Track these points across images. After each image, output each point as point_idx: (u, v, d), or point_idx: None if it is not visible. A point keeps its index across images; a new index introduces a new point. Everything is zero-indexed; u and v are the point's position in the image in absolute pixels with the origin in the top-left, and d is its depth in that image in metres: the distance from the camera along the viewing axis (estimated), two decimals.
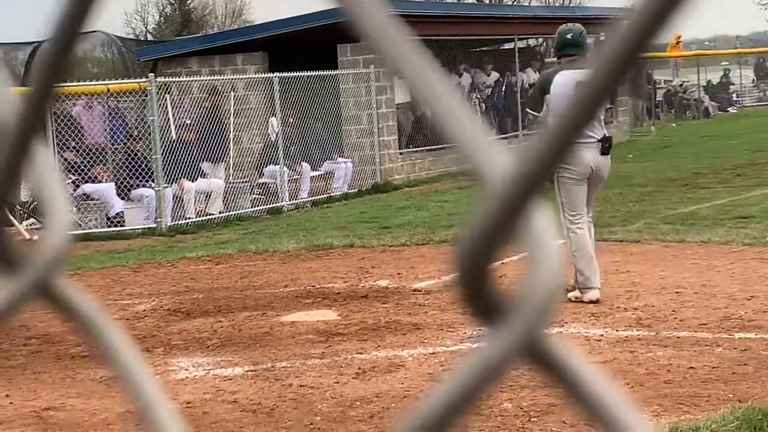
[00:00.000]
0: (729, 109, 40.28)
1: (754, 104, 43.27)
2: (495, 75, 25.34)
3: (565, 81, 8.90)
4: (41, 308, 0.71)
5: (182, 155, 16.72)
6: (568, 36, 9.41)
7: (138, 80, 18.14)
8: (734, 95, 42.09)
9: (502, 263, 0.51)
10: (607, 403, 0.45)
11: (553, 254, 0.42)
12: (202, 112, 18.07)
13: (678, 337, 7.65)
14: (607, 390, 0.46)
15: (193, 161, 16.95)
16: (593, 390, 0.44)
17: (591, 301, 8.87)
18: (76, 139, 17.27)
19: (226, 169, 18.57)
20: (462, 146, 0.43)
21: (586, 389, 0.43)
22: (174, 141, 17.21)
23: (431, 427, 0.45)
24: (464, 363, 0.45)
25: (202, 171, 17.30)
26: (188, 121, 17.74)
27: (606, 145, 9.08)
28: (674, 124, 34.78)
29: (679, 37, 40.19)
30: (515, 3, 58.43)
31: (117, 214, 16.43)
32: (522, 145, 0.45)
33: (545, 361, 0.42)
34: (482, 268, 0.42)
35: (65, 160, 16.66)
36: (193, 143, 17.22)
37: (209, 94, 18.69)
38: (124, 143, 17.29)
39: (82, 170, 16.86)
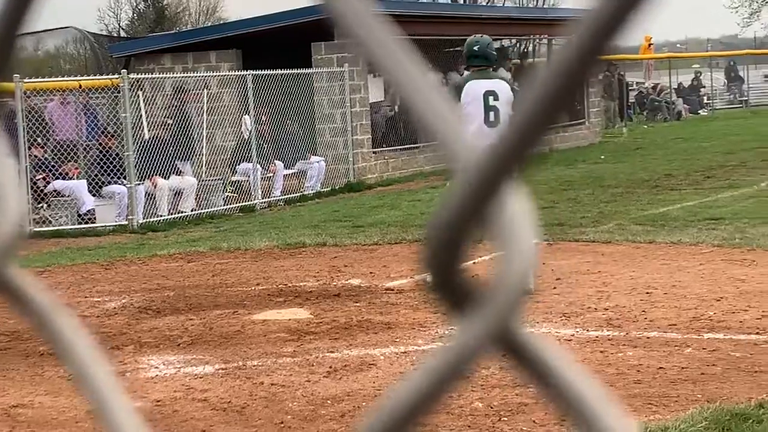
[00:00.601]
0: (700, 111, 40.50)
1: (725, 107, 43.53)
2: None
3: (476, 89, 9.42)
4: (10, 305, 0.71)
5: (156, 152, 16.66)
6: (475, 48, 9.92)
7: (110, 77, 18.05)
8: (705, 98, 42.31)
9: (474, 262, 0.51)
10: (584, 397, 0.45)
11: (525, 242, 0.42)
12: (170, 111, 17.94)
13: (648, 338, 7.69)
14: (584, 383, 0.46)
15: (167, 158, 16.89)
16: (568, 382, 0.44)
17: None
18: (46, 135, 17.17)
19: (194, 167, 18.50)
20: (437, 133, 0.43)
21: (560, 381, 0.43)
22: (147, 138, 17.15)
23: (405, 417, 0.45)
24: (438, 351, 0.45)
25: (177, 168, 17.24)
26: (170, 121, 17.66)
27: None
28: (646, 126, 34.95)
29: (650, 39, 40.39)
30: (489, 3, 58.54)
31: (88, 211, 16.34)
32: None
33: (518, 351, 0.42)
34: (453, 256, 0.42)
35: (35, 156, 16.56)
36: (168, 140, 17.16)
37: (176, 92, 18.58)
38: (97, 140, 17.20)
39: (53, 167, 16.76)
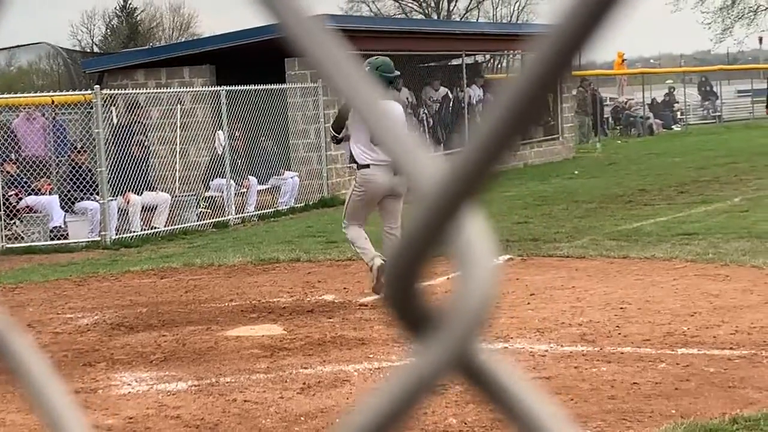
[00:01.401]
0: (673, 126, 40.72)
1: (699, 122, 43.79)
2: (443, 90, 25.44)
3: None
4: None
5: (129, 167, 16.58)
6: (366, 69, 9.98)
7: (83, 92, 17.96)
8: (679, 113, 42.56)
9: (431, 282, 0.49)
10: (541, 419, 0.44)
11: (485, 264, 0.41)
12: (119, 129, 17.46)
13: (622, 353, 7.69)
14: (541, 405, 0.44)
15: (140, 173, 16.82)
16: (526, 405, 0.43)
17: (379, 268, 9.65)
18: (17, 151, 17.06)
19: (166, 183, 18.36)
20: (395, 154, 0.42)
21: (518, 404, 0.42)
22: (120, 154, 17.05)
23: None
24: (396, 376, 0.44)
25: (149, 184, 17.15)
26: (143, 137, 17.51)
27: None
28: (620, 141, 35.11)
29: (623, 55, 40.62)
30: (463, 20, 58.76)
31: (56, 227, 16.23)
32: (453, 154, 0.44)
33: (476, 376, 0.41)
34: (412, 278, 0.41)
35: (7, 172, 16.46)
36: (142, 156, 17.09)
37: (128, 109, 18.23)
38: (68, 155, 17.11)
39: (25, 183, 16.66)
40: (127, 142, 16.96)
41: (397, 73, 11.01)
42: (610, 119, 39.11)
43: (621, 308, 9.13)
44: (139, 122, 18.00)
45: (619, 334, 8.27)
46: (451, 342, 0.40)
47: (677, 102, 42.73)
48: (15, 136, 17.27)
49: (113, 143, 16.61)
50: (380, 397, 0.45)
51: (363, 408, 0.46)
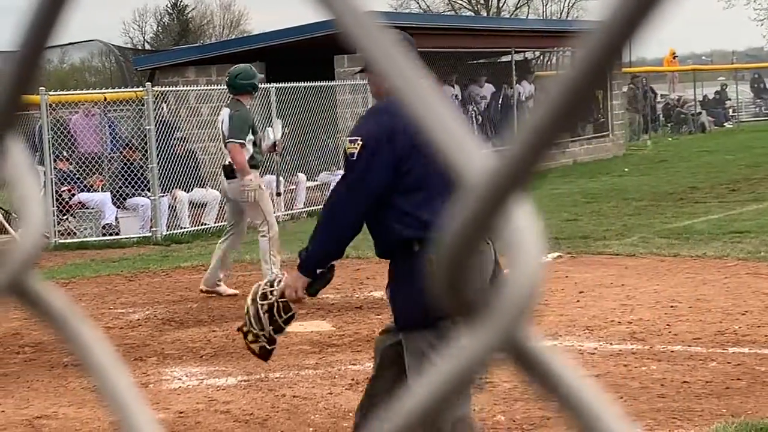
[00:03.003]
0: (725, 124, 40.32)
1: (751, 119, 43.33)
2: (489, 87, 25.37)
3: (222, 116, 10.99)
4: (33, 315, 0.71)
5: (178, 164, 16.72)
6: (227, 78, 11.36)
7: (135, 89, 18.12)
8: (731, 110, 42.14)
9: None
10: (590, 406, 0.45)
11: (532, 253, 0.42)
12: (163, 125, 17.69)
13: (672, 352, 7.65)
14: (590, 392, 0.45)
15: (190, 170, 16.94)
16: (575, 391, 0.44)
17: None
18: (71, 148, 17.24)
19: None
20: (443, 146, 0.43)
21: (566, 390, 0.43)
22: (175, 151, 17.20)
23: (415, 419, 0.45)
24: (446, 360, 0.45)
25: (200, 180, 17.29)
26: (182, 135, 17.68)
27: (228, 171, 10.84)
28: (670, 139, 34.83)
29: (675, 52, 40.29)
30: (512, 16, 58.58)
31: (108, 224, 16.40)
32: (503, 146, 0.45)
33: (524, 361, 0.42)
34: (461, 266, 0.42)
35: (60, 169, 16.64)
36: (186, 153, 17.22)
37: (176, 106, 18.53)
38: (121, 152, 17.28)
39: (78, 179, 16.84)
40: (172, 138, 17.14)
41: (261, 76, 12.08)
42: (661, 116, 38.80)
43: (671, 306, 9.07)
44: (180, 119, 18.16)
45: (670, 332, 8.21)
46: (499, 327, 0.41)
47: (729, 99, 42.31)
48: (70, 132, 17.44)
49: (162, 140, 16.75)
50: (429, 380, 0.46)
51: (412, 392, 0.47)
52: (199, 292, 10.71)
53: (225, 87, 11.83)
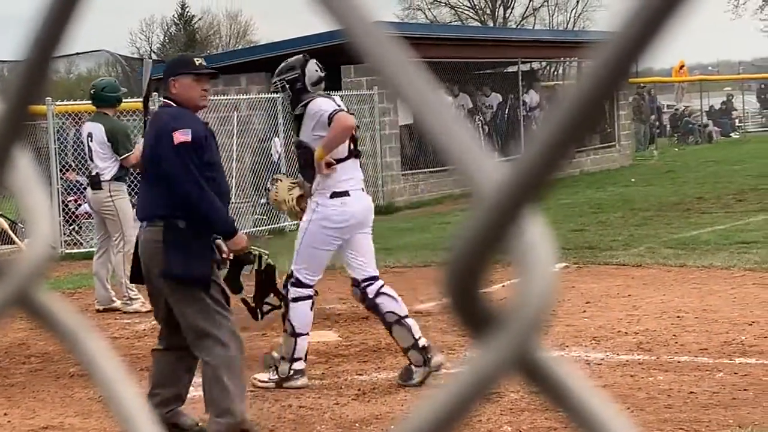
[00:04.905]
0: (732, 134, 40.29)
1: (757, 130, 43.29)
2: (496, 96, 25.38)
3: (90, 129, 11.25)
4: (40, 327, 0.71)
5: None
6: (92, 91, 11.56)
7: (142, 99, 18.11)
8: (737, 120, 42.11)
9: (503, 286, 0.50)
10: (601, 419, 0.45)
11: (545, 265, 0.42)
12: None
13: (678, 362, 7.63)
14: (601, 405, 0.45)
15: None
16: (586, 404, 0.44)
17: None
18: (78, 158, 17.26)
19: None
20: (454, 157, 0.43)
21: (577, 403, 0.42)
22: None
23: None
24: (457, 375, 0.45)
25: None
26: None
27: (94, 181, 11.14)
28: (677, 149, 34.81)
29: (683, 62, 40.28)
30: (519, 27, 58.62)
31: None
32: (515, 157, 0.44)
33: (536, 375, 0.42)
34: (473, 279, 0.42)
35: (67, 179, 16.66)
36: None
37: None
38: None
39: (85, 189, 16.85)
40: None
41: (124, 90, 12.17)
42: (667, 126, 38.78)
43: (678, 317, 9.05)
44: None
45: (676, 343, 8.20)
46: (511, 342, 0.41)
47: (735, 109, 42.28)
48: (78, 143, 17.45)
49: None
50: (440, 396, 0.46)
51: (422, 407, 0.47)
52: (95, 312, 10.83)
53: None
